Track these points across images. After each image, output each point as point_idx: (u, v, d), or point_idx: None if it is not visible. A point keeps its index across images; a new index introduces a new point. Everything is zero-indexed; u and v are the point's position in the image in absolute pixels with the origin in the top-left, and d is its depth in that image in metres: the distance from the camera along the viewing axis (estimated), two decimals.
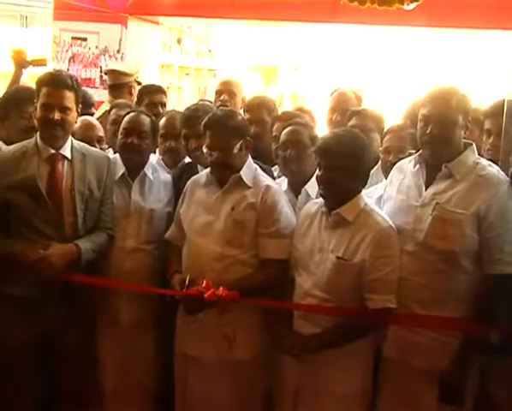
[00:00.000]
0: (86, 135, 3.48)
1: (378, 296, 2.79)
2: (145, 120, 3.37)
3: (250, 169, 3.14)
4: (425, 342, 2.82)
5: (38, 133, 3.13)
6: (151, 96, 4.39)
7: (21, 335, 3.03)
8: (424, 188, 2.87)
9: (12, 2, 7.47)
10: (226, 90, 4.47)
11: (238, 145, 3.07)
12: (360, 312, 2.84)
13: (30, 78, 5.17)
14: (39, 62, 4.54)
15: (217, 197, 3.12)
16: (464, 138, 2.88)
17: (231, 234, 3.05)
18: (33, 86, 3.18)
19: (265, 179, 3.16)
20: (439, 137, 2.80)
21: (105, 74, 5.24)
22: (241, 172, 3.10)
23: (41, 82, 3.08)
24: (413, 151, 3.17)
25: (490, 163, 2.89)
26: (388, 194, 3.06)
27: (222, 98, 4.43)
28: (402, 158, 3.17)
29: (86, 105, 4.35)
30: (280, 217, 3.06)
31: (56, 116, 3.01)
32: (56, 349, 3.11)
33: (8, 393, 3.11)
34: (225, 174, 3.11)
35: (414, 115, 3.61)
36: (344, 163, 2.82)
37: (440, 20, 5.48)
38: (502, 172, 2.86)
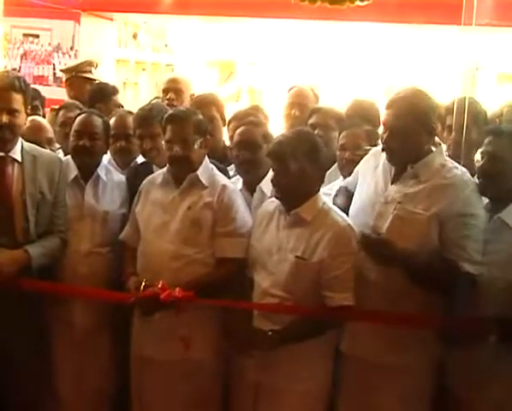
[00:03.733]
0: (36, 137, 3.39)
1: (336, 294, 2.80)
2: (97, 121, 3.32)
3: (207, 169, 3.14)
4: (379, 336, 2.84)
5: None
6: (106, 101, 4.30)
7: None
8: (390, 184, 2.88)
9: None
10: (172, 88, 4.43)
11: (199, 142, 3.08)
12: (319, 310, 2.85)
13: None
14: None
15: (173, 197, 3.11)
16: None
17: (187, 233, 3.04)
18: None
19: (222, 179, 3.17)
20: (392, 145, 2.81)
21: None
22: (198, 172, 3.09)
23: None
24: (370, 148, 3.22)
25: (457, 165, 2.89)
26: (361, 180, 3.05)
27: (168, 96, 4.38)
28: (359, 155, 3.19)
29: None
30: (236, 216, 3.07)
31: (4, 119, 2.93)
32: (9, 357, 3.04)
33: None
34: (183, 170, 3.09)
35: (361, 111, 3.73)
36: (296, 166, 2.82)
37: (394, 15, 5.53)
38: (468, 174, 2.86)
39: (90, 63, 5.00)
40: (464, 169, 2.88)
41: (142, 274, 3.05)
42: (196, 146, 3.07)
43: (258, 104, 4.70)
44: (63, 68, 5.22)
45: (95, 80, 4.86)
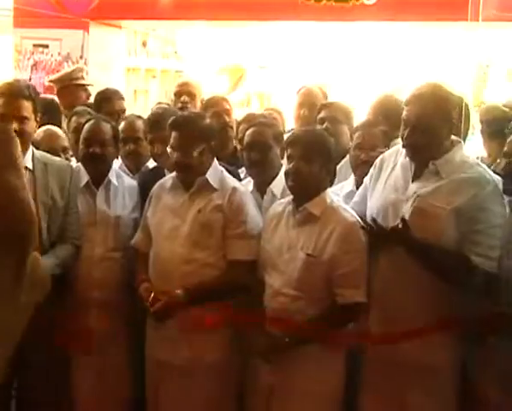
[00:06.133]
0: (51, 146, 3.43)
1: (348, 291, 2.81)
2: (106, 127, 3.33)
3: (216, 172, 3.14)
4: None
5: None
6: (111, 103, 4.33)
7: None
8: (411, 182, 2.82)
9: None
10: (185, 91, 4.48)
11: (199, 149, 3.05)
12: (332, 311, 2.84)
13: None
14: None
15: (183, 200, 3.11)
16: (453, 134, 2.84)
17: (198, 236, 3.04)
18: None
19: (232, 181, 3.16)
20: (415, 142, 2.76)
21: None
22: (207, 175, 3.09)
23: None
24: (385, 150, 3.15)
25: (478, 162, 2.85)
26: (375, 183, 3.00)
27: (182, 99, 4.43)
28: (374, 156, 3.14)
29: (55, 110, 4.32)
30: (247, 218, 3.07)
31: (14, 126, 2.93)
32: (26, 362, 3.04)
33: None
34: (187, 176, 3.09)
35: (384, 110, 3.62)
36: (315, 154, 2.86)
37: (401, 13, 5.51)
38: (490, 172, 2.82)
39: (81, 70, 4.99)
40: (484, 166, 2.85)
41: (154, 279, 3.07)
42: (195, 153, 3.03)
43: (277, 107, 4.73)
44: (52, 78, 5.13)
45: (89, 85, 4.87)
